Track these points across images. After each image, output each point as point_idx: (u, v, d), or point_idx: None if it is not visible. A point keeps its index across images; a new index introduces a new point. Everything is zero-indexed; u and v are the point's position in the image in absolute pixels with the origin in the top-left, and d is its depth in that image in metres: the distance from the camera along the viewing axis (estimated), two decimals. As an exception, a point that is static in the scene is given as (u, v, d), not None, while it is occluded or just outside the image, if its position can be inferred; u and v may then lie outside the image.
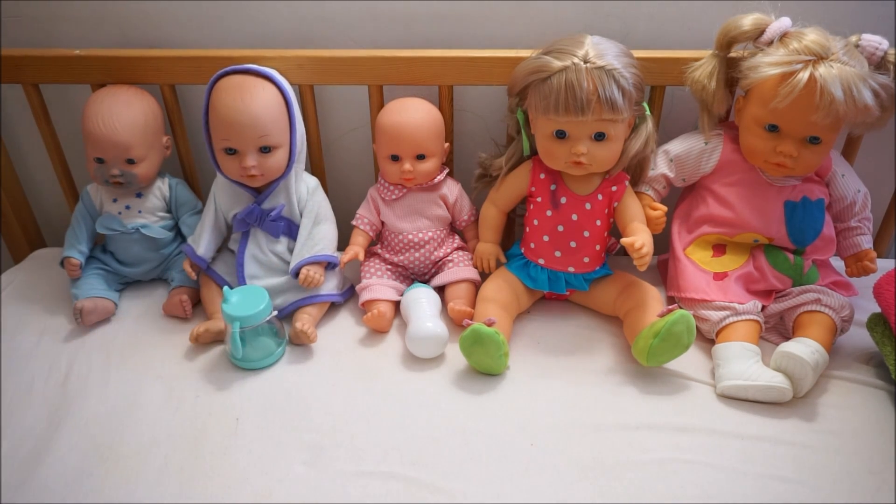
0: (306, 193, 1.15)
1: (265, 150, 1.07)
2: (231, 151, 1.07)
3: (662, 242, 1.20)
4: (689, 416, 0.96)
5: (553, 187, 1.09)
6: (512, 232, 1.27)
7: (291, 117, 1.10)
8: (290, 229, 1.15)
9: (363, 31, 1.20)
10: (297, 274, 1.12)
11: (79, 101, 1.16)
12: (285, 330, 1.11)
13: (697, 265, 1.13)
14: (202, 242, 1.15)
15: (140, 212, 1.18)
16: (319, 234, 1.14)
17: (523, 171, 1.12)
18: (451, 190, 1.19)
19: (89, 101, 1.13)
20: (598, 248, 1.11)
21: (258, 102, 1.05)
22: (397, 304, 1.15)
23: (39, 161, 1.35)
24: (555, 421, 0.96)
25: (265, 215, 1.13)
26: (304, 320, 1.09)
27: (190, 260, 1.15)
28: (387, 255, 1.20)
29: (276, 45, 1.20)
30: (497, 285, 1.12)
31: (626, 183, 1.10)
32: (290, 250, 1.15)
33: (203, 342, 1.09)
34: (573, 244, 1.10)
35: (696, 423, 0.95)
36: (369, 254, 1.21)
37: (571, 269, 1.12)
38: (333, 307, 1.18)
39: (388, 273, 1.19)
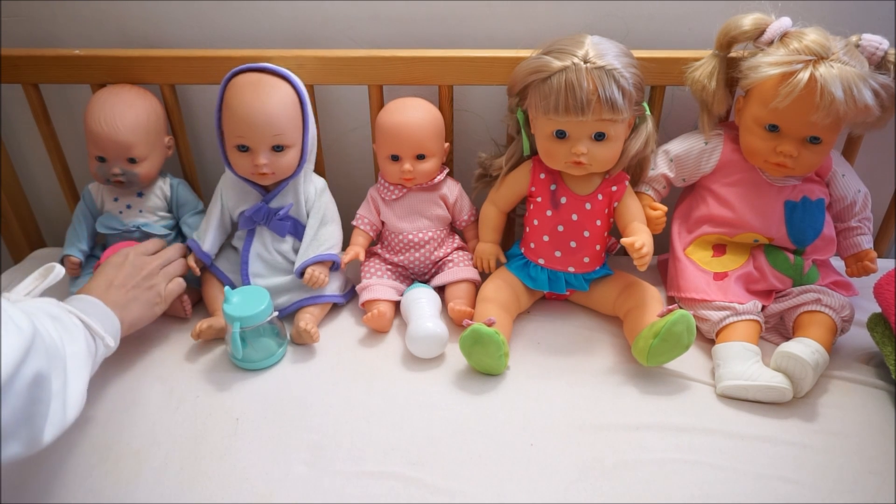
0: (314, 194, 1.15)
1: (278, 148, 1.07)
2: (244, 149, 1.07)
3: (662, 242, 1.20)
4: (689, 416, 0.96)
5: (553, 187, 1.09)
6: (512, 232, 1.27)
7: (305, 117, 1.10)
8: (297, 229, 1.15)
9: (363, 31, 1.20)
10: (301, 273, 1.12)
11: (79, 101, 1.16)
12: (287, 330, 1.11)
13: (697, 265, 1.13)
14: (208, 238, 1.15)
15: (141, 211, 1.18)
16: (325, 235, 1.14)
17: (523, 171, 1.12)
18: (451, 190, 1.19)
19: (92, 100, 1.13)
20: (598, 248, 1.11)
21: (275, 101, 1.05)
22: (397, 304, 1.15)
23: (39, 161, 1.35)
24: (555, 421, 0.96)
25: (273, 214, 1.13)
26: (307, 320, 1.08)
27: (194, 255, 1.15)
28: (387, 255, 1.20)
29: (276, 45, 1.20)
30: (497, 285, 1.11)
31: (626, 183, 1.10)
32: (295, 250, 1.15)
33: (206, 338, 1.09)
34: (573, 244, 1.10)
35: (696, 423, 0.95)
36: (369, 254, 1.21)
37: (571, 269, 1.12)
38: (334, 307, 1.18)
39: (388, 273, 1.19)
